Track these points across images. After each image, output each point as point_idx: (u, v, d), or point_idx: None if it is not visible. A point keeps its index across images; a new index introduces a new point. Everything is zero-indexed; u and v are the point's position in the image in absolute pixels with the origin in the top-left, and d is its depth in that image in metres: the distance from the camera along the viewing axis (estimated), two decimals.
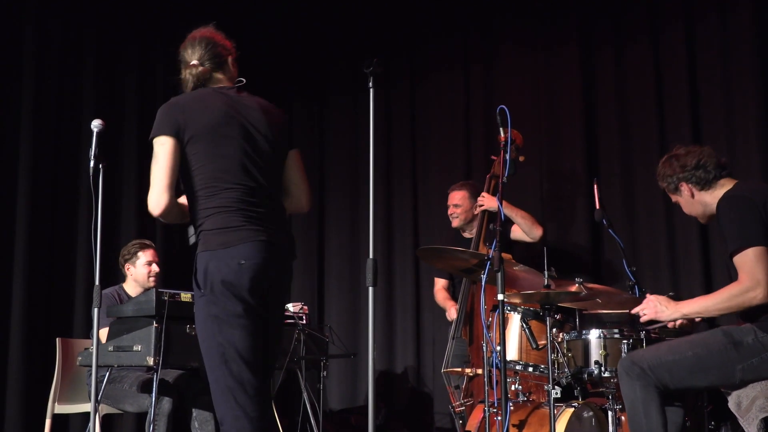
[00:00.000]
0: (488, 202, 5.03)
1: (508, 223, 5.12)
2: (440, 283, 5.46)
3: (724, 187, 3.38)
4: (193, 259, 3.16)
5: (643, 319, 3.38)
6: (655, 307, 3.33)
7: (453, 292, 5.39)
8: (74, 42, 6.02)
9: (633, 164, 5.59)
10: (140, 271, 5.09)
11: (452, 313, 5.16)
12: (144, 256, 5.11)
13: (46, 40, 5.84)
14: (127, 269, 5.12)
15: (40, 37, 5.81)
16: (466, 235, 5.30)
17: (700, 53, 5.40)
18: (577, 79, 5.85)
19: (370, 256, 3.04)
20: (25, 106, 5.71)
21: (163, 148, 3.13)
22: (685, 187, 3.43)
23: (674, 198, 3.54)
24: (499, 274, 3.17)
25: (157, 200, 3.13)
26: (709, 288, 4.97)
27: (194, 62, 3.25)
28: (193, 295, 4.27)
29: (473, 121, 6.29)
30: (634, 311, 3.43)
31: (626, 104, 5.67)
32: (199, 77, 3.25)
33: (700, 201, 3.43)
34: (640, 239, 5.46)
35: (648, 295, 3.44)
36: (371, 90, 3.15)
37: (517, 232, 5.20)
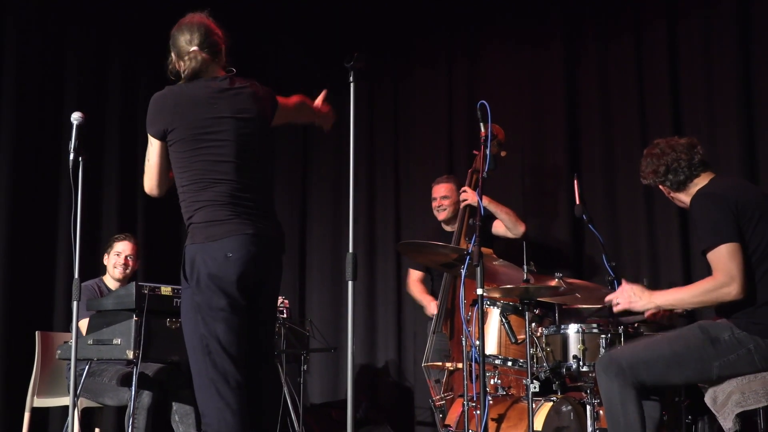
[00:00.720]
0: (471, 197, 5.03)
1: (490, 218, 5.12)
2: (415, 275, 5.46)
3: (698, 185, 3.41)
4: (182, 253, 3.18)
5: (616, 309, 3.40)
6: (629, 297, 3.36)
7: (430, 285, 5.40)
8: (56, 34, 5.99)
9: (615, 159, 5.61)
10: (110, 261, 5.07)
11: (432, 308, 5.15)
12: (117, 247, 5.11)
13: (27, 32, 5.80)
14: (106, 261, 5.10)
15: (21, 28, 5.78)
16: (448, 229, 5.30)
17: (681, 50, 5.42)
18: (560, 75, 5.87)
19: (350, 250, 3.04)
20: (6, 97, 5.69)
21: (152, 147, 3.23)
22: (663, 188, 3.50)
23: (649, 180, 3.59)
24: (478, 269, 3.16)
25: (150, 192, 3.30)
26: (689, 281, 4.99)
27: (194, 48, 3.23)
28: (173, 289, 4.31)
29: (456, 117, 6.29)
30: (607, 299, 3.46)
31: (608, 100, 5.69)
32: (201, 65, 3.22)
33: (677, 198, 3.48)
34: (621, 234, 5.49)
35: (623, 283, 3.46)
36: (352, 85, 3.13)
37: (499, 228, 5.20)
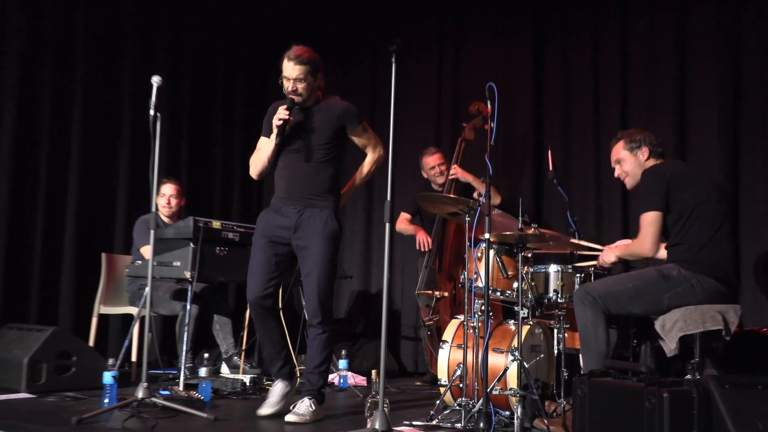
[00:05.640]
0: (460, 173, 5.09)
1: (471, 188, 5.17)
2: (404, 216, 5.43)
3: (649, 162, 3.57)
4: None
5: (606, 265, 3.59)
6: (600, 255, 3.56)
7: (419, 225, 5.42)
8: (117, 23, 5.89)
9: (571, 134, 5.64)
10: (159, 202, 5.05)
11: (420, 236, 5.20)
12: (162, 189, 5.10)
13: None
14: (157, 200, 5.09)
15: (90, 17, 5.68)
16: (437, 188, 5.32)
17: (630, 47, 5.42)
18: (529, 61, 5.85)
19: (388, 198, 3.05)
20: (78, 68, 5.61)
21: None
22: (644, 150, 3.57)
23: (621, 156, 3.64)
24: (487, 218, 3.20)
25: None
26: (627, 235, 5.09)
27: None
28: (222, 223, 4.47)
29: (444, 94, 6.29)
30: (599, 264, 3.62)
31: (568, 85, 5.69)
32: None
33: (642, 165, 3.55)
34: (573, 194, 5.47)
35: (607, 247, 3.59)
36: (393, 64, 3.16)
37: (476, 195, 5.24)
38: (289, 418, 3.41)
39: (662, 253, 3.51)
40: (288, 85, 3.51)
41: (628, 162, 3.60)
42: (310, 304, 3.53)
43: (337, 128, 3.60)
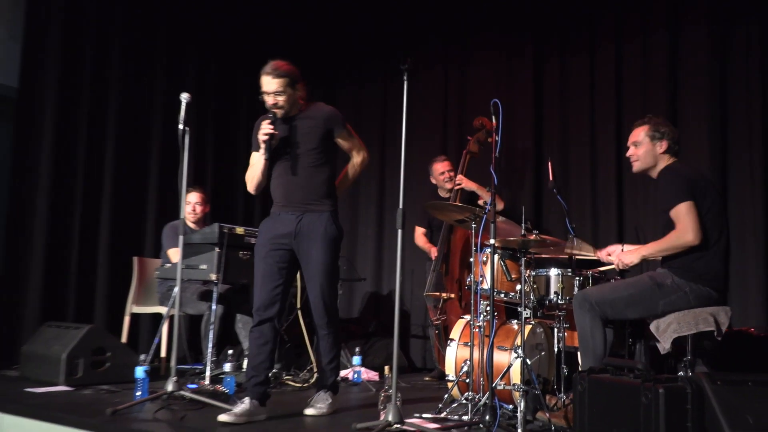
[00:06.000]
0: (465, 182, 5.07)
1: (476, 196, 5.15)
2: (420, 231, 5.44)
3: (665, 159, 3.41)
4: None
5: (606, 260, 3.46)
6: (620, 254, 3.37)
7: (430, 238, 5.41)
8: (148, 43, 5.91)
9: (569, 147, 5.63)
10: (185, 209, 5.04)
11: (434, 253, 5.19)
12: (188, 197, 5.05)
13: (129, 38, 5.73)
14: (184, 207, 5.10)
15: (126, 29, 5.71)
16: (444, 195, 5.31)
17: (624, 65, 5.41)
18: (529, 79, 5.84)
19: (400, 206, 3.05)
20: (112, 86, 5.63)
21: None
22: (664, 143, 3.39)
23: (640, 140, 3.43)
24: (492, 224, 3.18)
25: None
26: (621, 240, 5.05)
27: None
28: (245, 229, 4.40)
29: (450, 109, 6.28)
30: (598, 255, 3.51)
31: (566, 101, 5.68)
32: None
33: (656, 157, 3.41)
34: (572, 203, 5.47)
35: (609, 246, 3.51)
36: (405, 82, 3.14)
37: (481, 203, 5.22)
38: (308, 411, 3.36)
39: None
40: (268, 100, 3.38)
41: (645, 148, 3.41)
42: (317, 308, 3.43)
43: (325, 132, 3.47)
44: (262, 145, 3.41)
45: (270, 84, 3.36)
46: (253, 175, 3.55)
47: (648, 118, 3.49)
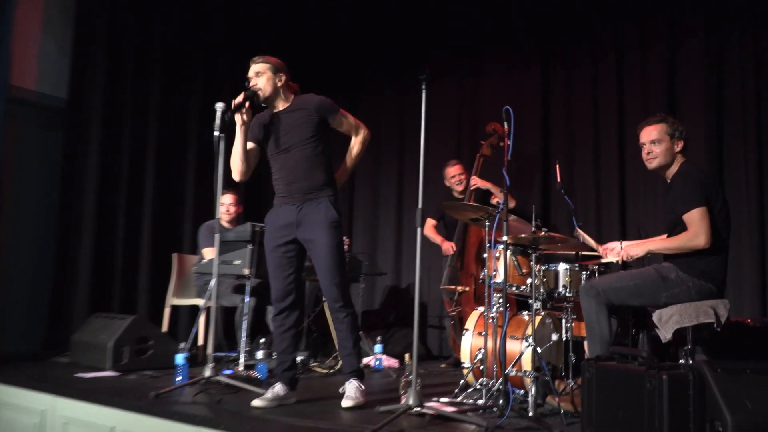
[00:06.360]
0: (480, 182, 5.04)
1: (489, 193, 5.12)
2: (431, 222, 5.38)
3: (679, 158, 3.31)
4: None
5: (607, 255, 3.41)
6: (626, 248, 3.31)
7: (442, 231, 5.37)
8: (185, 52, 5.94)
9: (574, 151, 5.59)
10: (220, 210, 5.05)
11: (445, 246, 5.16)
12: (222, 199, 5.04)
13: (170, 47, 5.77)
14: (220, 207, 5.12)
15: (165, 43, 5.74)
16: (458, 196, 5.29)
17: (625, 76, 5.37)
18: (536, 89, 5.81)
19: (419, 206, 3.04)
20: (153, 98, 5.67)
21: None
22: (681, 142, 3.28)
23: (661, 138, 3.28)
24: (505, 222, 3.16)
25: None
26: (624, 238, 5.01)
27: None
28: None
29: (463, 116, 6.25)
30: (601, 250, 3.46)
31: (571, 108, 5.65)
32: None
33: (673, 155, 3.29)
34: (577, 202, 5.44)
35: (609, 243, 3.47)
36: (423, 91, 3.11)
37: (495, 201, 5.19)
38: (345, 403, 3.16)
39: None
40: (251, 82, 3.35)
41: (665, 145, 3.26)
42: (329, 293, 3.27)
43: (318, 121, 3.31)
44: (237, 121, 3.34)
45: (254, 67, 3.35)
46: (232, 161, 3.44)
47: (662, 115, 3.36)
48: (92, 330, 4.41)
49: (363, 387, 3.31)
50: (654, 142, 3.29)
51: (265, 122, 3.44)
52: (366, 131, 3.48)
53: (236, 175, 3.48)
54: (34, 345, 4.95)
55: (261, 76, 3.34)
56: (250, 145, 3.45)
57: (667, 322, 3.16)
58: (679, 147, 3.29)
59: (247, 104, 3.32)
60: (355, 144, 3.47)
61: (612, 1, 5.42)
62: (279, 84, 3.36)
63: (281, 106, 3.40)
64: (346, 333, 3.32)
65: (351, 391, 3.25)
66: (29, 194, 5.11)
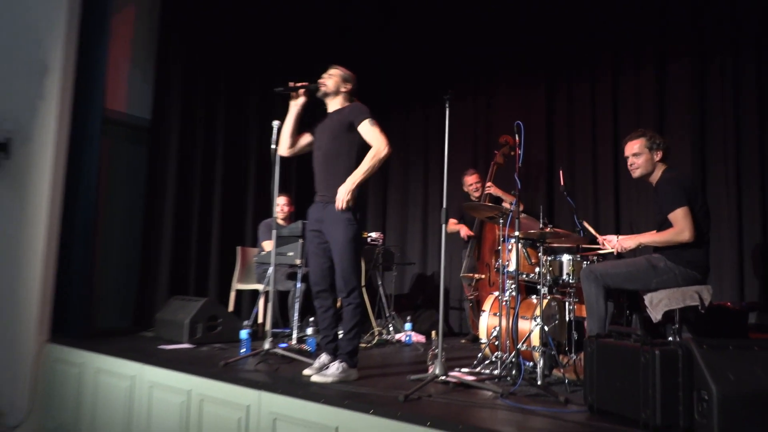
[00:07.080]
0: (494, 189, 4.99)
1: (500, 199, 5.06)
2: (453, 220, 5.31)
3: (661, 165, 3.26)
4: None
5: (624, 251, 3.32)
6: (620, 241, 3.26)
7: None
8: (243, 79, 5.98)
9: (575, 159, 5.50)
10: (276, 209, 5.09)
11: (464, 230, 5.10)
12: (277, 200, 5.07)
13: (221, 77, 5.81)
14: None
15: (229, 71, 5.78)
16: (473, 199, 5.24)
17: (621, 95, 5.27)
18: (542, 106, 5.72)
19: (443, 206, 3.02)
20: (219, 116, 5.72)
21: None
22: (660, 152, 3.24)
23: (640, 151, 3.23)
24: (517, 220, 3.13)
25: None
26: (618, 231, 4.93)
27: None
28: None
29: (479, 131, 6.20)
30: (600, 241, 3.40)
31: (572, 122, 5.56)
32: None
33: (654, 164, 3.25)
34: (578, 203, 5.37)
35: (607, 236, 3.41)
36: (447, 110, 3.09)
37: (505, 205, 5.10)
38: (314, 378, 2.95)
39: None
40: (323, 78, 3.27)
41: (645, 157, 3.22)
42: (339, 281, 3.09)
43: (348, 124, 3.10)
44: (291, 102, 3.23)
45: (330, 70, 3.29)
46: (282, 136, 3.29)
47: (642, 131, 3.31)
48: (172, 310, 4.48)
49: (343, 371, 3.01)
50: (635, 155, 3.26)
51: (322, 119, 3.32)
52: (385, 149, 3.05)
53: (282, 150, 3.30)
54: (126, 322, 5.06)
55: (332, 77, 3.25)
56: (306, 135, 3.32)
57: (658, 304, 3.11)
58: (658, 156, 3.23)
59: (301, 90, 3.23)
60: (369, 154, 3.06)
61: (608, 30, 5.33)
62: (342, 89, 3.25)
63: (334, 107, 3.27)
64: (346, 318, 3.13)
65: (329, 370, 3.01)
66: (121, 198, 5.22)
